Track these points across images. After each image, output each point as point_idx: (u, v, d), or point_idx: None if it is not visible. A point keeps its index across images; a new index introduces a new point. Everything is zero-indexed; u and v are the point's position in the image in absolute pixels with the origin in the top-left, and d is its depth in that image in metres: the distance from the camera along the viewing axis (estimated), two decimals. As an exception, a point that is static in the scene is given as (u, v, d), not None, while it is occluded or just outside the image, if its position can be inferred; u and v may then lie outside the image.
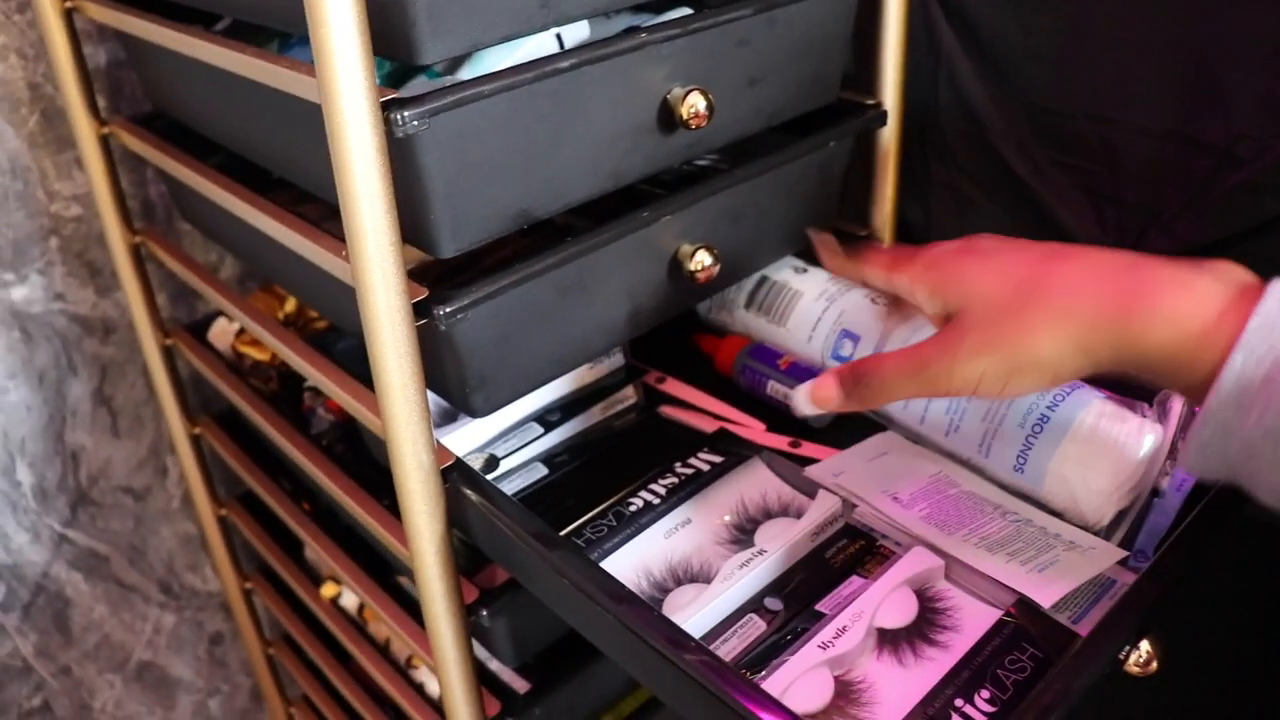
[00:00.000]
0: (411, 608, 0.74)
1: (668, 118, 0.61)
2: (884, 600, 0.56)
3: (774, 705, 0.45)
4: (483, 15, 0.52)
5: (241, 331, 0.90)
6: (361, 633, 0.86)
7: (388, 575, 0.78)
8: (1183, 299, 0.44)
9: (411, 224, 0.54)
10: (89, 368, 0.95)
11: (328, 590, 0.88)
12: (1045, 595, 0.55)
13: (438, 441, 0.59)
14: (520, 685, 0.75)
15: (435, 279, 0.67)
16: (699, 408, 0.73)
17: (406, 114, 0.49)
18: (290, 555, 0.93)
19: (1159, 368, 0.45)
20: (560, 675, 0.74)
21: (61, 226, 0.90)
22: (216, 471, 0.98)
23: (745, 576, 0.57)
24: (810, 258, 0.77)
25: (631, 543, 0.60)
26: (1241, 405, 0.41)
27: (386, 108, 0.49)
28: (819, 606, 0.57)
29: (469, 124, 0.52)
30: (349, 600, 0.88)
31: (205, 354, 0.88)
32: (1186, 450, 0.44)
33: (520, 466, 0.69)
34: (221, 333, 0.90)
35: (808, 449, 0.68)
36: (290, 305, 0.90)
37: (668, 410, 0.73)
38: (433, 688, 0.81)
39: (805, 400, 0.56)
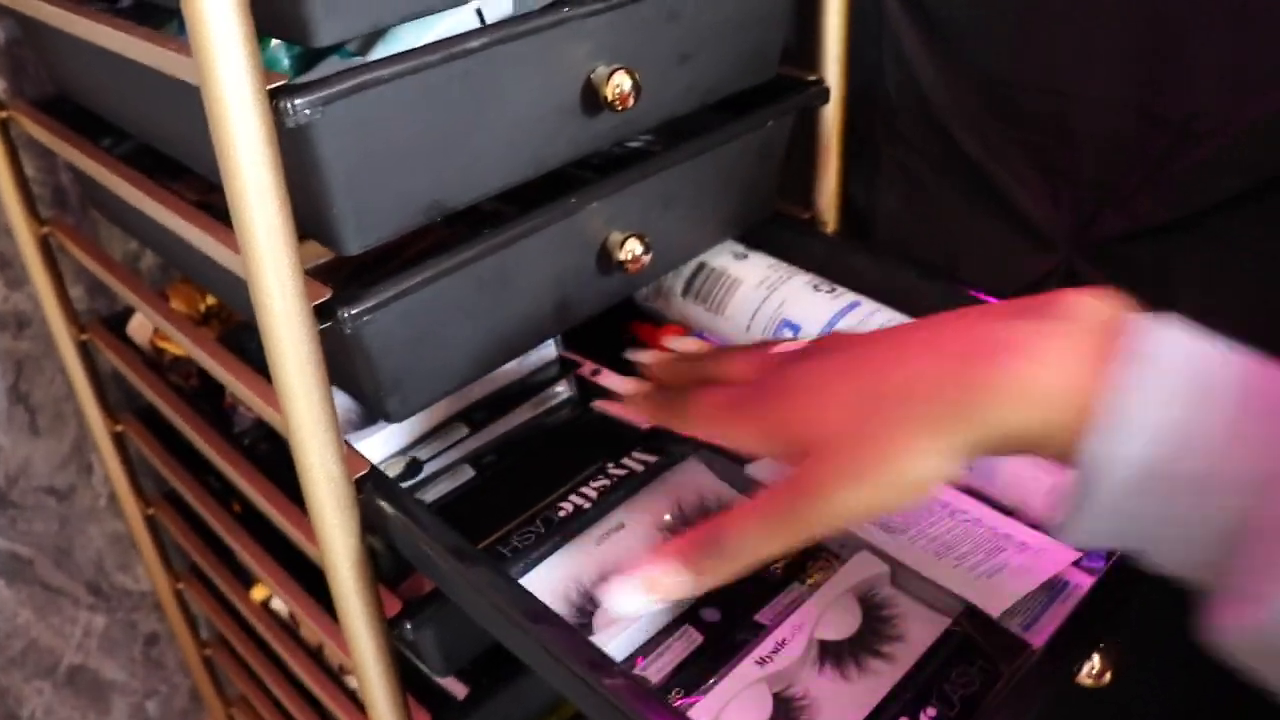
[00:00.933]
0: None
1: (591, 99, 0.57)
2: (826, 610, 0.53)
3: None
4: (382, -9, 0.48)
5: (160, 325, 0.85)
6: (294, 636, 0.82)
7: (320, 577, 0.75)
8: (1027, 365, 0.36)
9: (312, 219, 0.50)
10: (3, 364, 0.90)
11: (258, 593, 0.85)
12: (994, 604, 0.52)
13: (351, 448, 0.55)
14: (459, 689, 0.72)
15: (349, 275, 0.63)
16: (635, 402, 0.69)
17: (297, 102, 0.45)
18: (221, 556, 0.89)
19: (1037, 449, 0.37)
20: (499, 679, 0.71)
21: (-35, 217, 0.85)
22: (143, 468, 0.94)
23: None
24: (751, 242, 0.73)
25: (560, 551, 0.57)
26: (1130, 493, 0.34)
27: (274, 95, 0.45)
28: (758, 617, 0.54)
29: (370, 111, 0.48)
30: (281, 603, 0.85)
31: (123, 349, 0.83)
32: (1067, 528, 0.37)
33: (446, 469, 0.65)
34: (140, 326, 0.86)
35: (749, 444, 0.65)
36: (212, 298, 0.86)
37: (602, 404, 0.70)
38: (367, 695, 0.78)
39: (634, 595, 0.43)
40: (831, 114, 0.73)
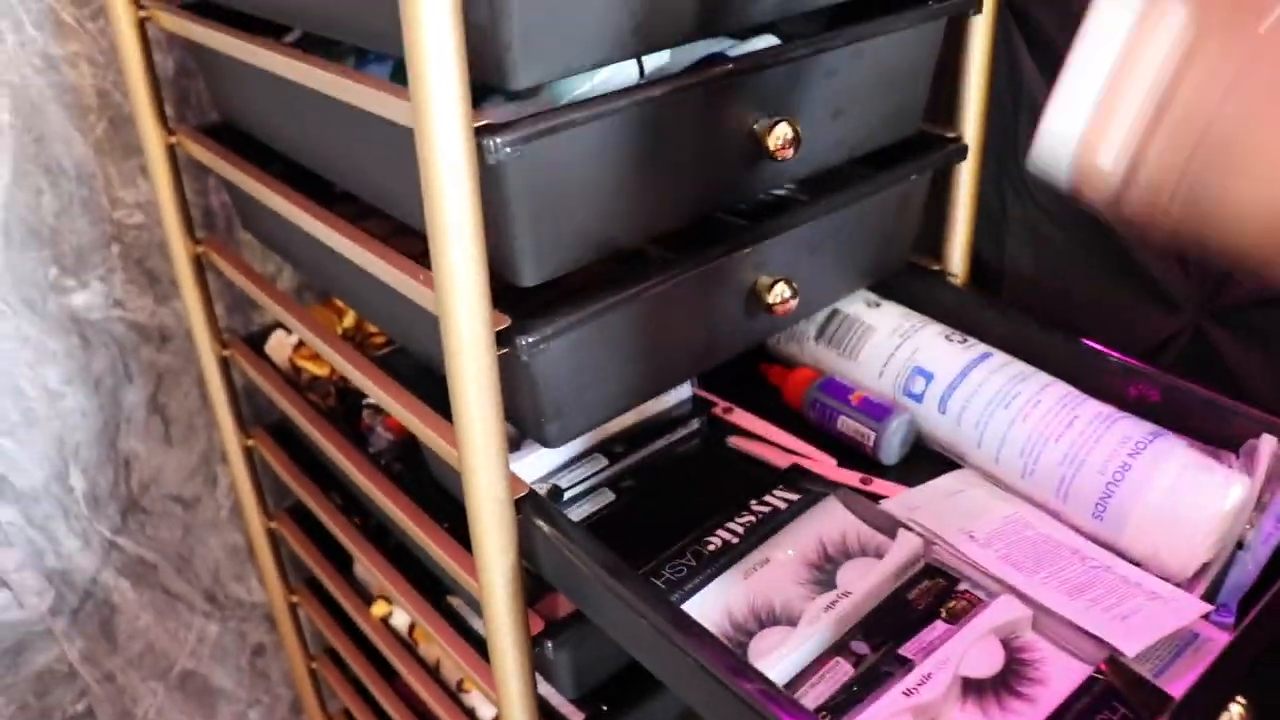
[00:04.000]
0: (464, 629, 0.74)
1: (754, 148, 0.59)
2: (970, 648, 0.54)
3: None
4: (577, 40, 0.51)
5: (300, 345, 0.89)
6: (412, 653, 0.85)
7: (438, 594, 0.78)
8: None
9: (493, 250, 0.53)
10: (144, 375, 0.95)
11: (379, 609, 0.87)
12: (1129, 644, 0.54)
13: (511, 472, 0.58)
14: (574, 715, 0.74)
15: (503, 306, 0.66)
16: (769, 440, 0.71)
17: (499, 140, 0.48)
18: (339, 570, 0.93)
19: None
20: (616, 708, 0.73)
21: (123, 234, 0.89)
22: (266, 483, 0.98)
23: (831, 619, 0.56)
24: (882, 291, 0.76)
25: (713, 583, 0.59)
26: None
27: (479, 134, 0.48)
28: (903, 651, 0.55)
29: (559, 152, 0.52)
30: (399, 619, 0.88)
31: (262, 366, 0.87)
32: None
33: (587, 493, 0.68)
34: (279, 345, 0.90)
35: (879, 486, 0.67)
36: (349, 320, 0.89)
37: (737, 441, 0.72)
38: (484, 713, 0.80)
39: None
40: (968, 171, 0.75)
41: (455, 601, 0.79)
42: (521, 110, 0.52)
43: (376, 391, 0.66)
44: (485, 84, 0.52)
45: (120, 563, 0.99)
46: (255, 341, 0.91)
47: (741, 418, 0.74)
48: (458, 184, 0.48)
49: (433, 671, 0.84)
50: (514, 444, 0.68)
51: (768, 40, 0.64)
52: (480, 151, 0.48)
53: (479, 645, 0.68)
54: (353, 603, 0.89)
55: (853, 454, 0.69)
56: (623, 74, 0.60)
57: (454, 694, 0.82)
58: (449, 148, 0.47)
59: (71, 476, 0.93)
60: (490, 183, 0.50)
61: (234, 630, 1.11)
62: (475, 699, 0.81)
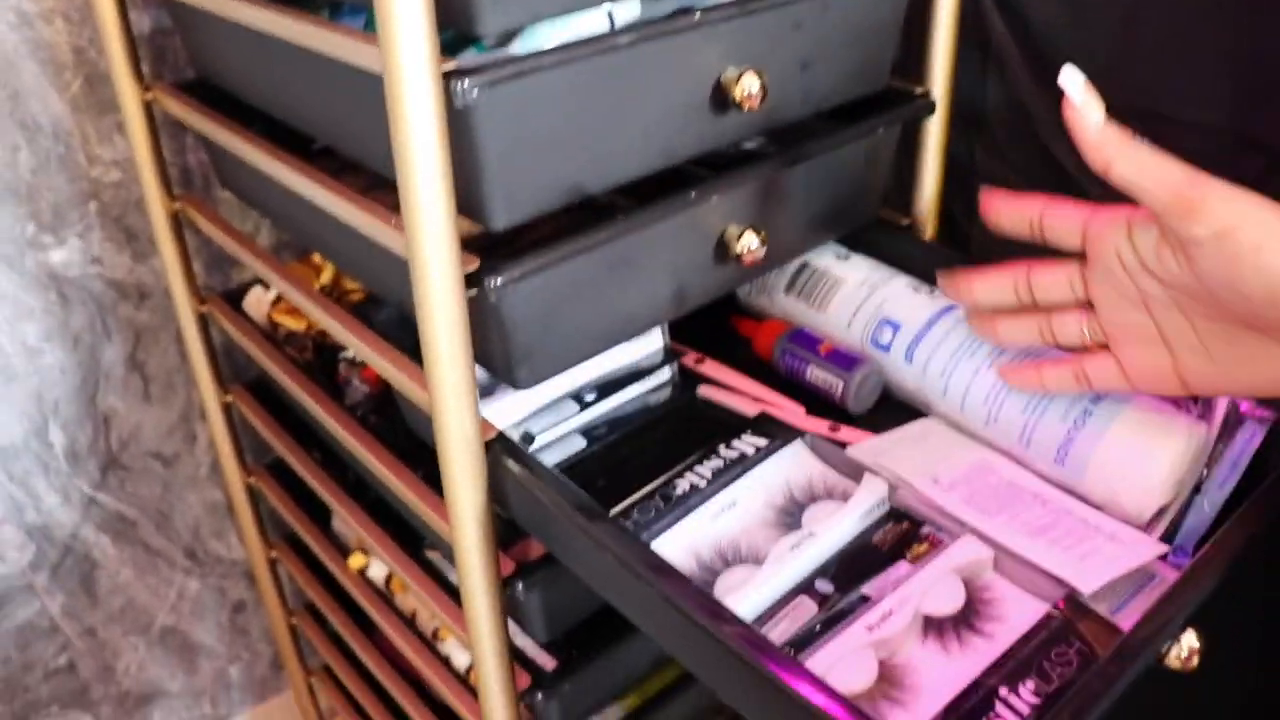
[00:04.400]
0: (441, 580, 0.75)
1: (721, 98, 0.60)
2: (931, 587, 0.56)
3: (817, 683, 0.46)
4: (544, -14, 0.52)
5: (277, 301, 0.90)
6: (389, 604, 0.86)
7: (417, 548, 0.79)
8: None
9: (464, 195, 0.54)
10: (123, 333, 0.95)
11: (355, 561, 0.88)
12: (1086, 582, 0.55)
13: (481, 415, 0.59)
14: (546, 662, 0.75)
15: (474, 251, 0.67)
16: (739, 389, 0.73)
17: (467, 83, 0.49)
18: (317, 525, 0.94)
19: None
20: (587, 653, 0.74)
21: (101, 191, 0.90)
22: (245, 440, 0.99)
23: (796, 558, 0.57)
24: (852, 245, 0.77)
25: (680, 524, 0.60)
26: None
27: (447, 77, 0.49)
28: (865, 590, 0.57)
29: (527, 97, 0.52)
30: (376, 571, 0.89)
31: (240, 322, 0.88)
32: None
33: (558, 440, 0.69)
34: (257, 301, 0.90)
35: (846, 433, 0.68)
36: (326, 276, 0.90)
37: (706, 391, 0.73)
38: (459, 660, 0.81)
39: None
40: (935, 126, 0.76)
41: (433, 556, 0.80)
42: (493, 58, 0.52)
43: (351, 339, 0.67)
44: (455, 30, 0.53)
45: (100, 519, 1.00)
46: (233, 298, 0.91)
47: (712, 368, 0.75)
48: (426, 128, 0.48)
49: (409, 622, 0.85)
50: (486, 391, 0.69)
51: (738, -7, 0.65)
52: (449, 95, 0.49)
53: (454, 595, 0.69)
54: (331, 556, 0.90)
55: (822, 403, 0.71)
56: (596, 24, 0.61)
57: (430, 643, 0.83)
58: (417, 91, 0.48)
59: (51, 433, 0.94)
60: (459, 127, 0.51)
61: (214, 587, 1.12)
62: (450, 647, 0.82)
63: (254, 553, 1.04)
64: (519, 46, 0.62)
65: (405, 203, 0.51)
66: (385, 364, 0.63)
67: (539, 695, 0.69)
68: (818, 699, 0.45)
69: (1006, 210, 0.58)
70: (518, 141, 0.53)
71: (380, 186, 0.62)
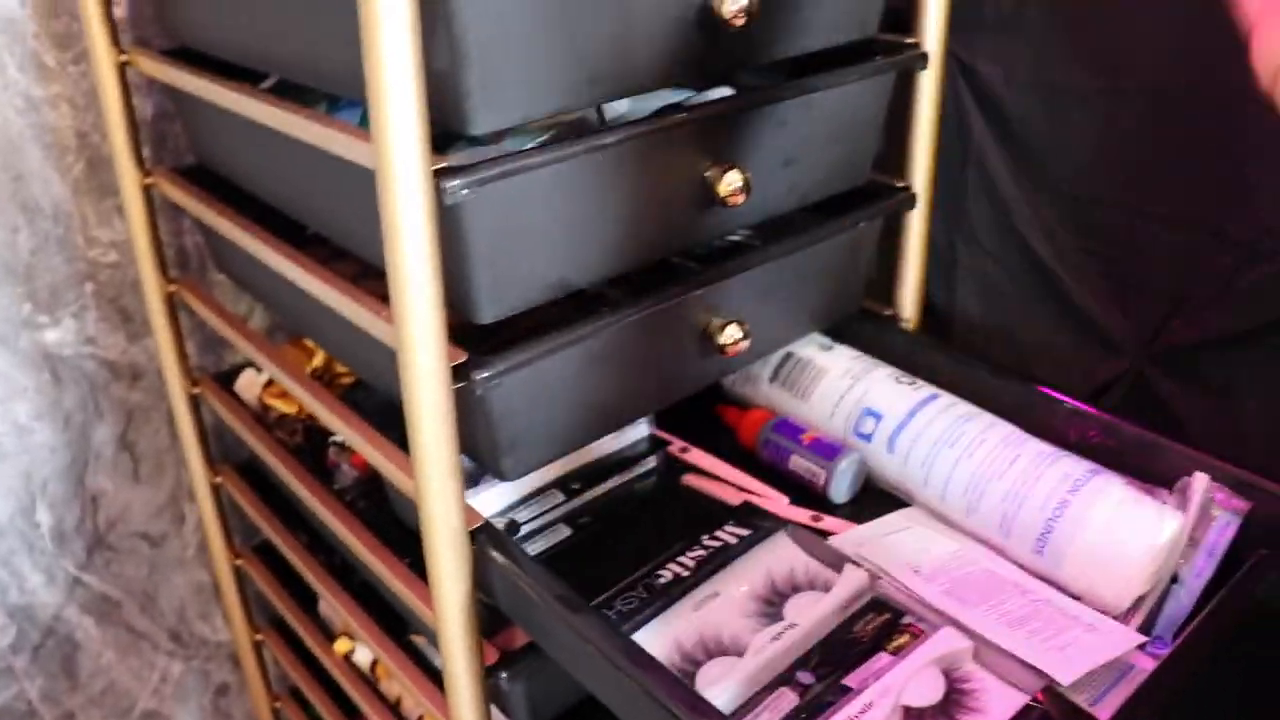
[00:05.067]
0: (426, 666, 0.74)
1: (706, 194, 0.62)
2: (911, 678, 0.56)
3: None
4: (534, 89, 0.54)
5: (269, 383, 0.91)
6: (374, 690, 0.86)
7: (402, 633, 0.79)
8: None
9: (451, 288, 0.55)
10: (115, 413, 0.96)
11: (341, 646, 0.88)
12: (1065, 673, 0.55)
13: (467, 504, 0.59)
14: (530, 751, 0.75)
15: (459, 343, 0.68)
16: (723, 478, 0.73)
17: (456, 182, 0.51)
18: (304, 609, 0.93)
19: None
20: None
21: (98, 272, 0.91)
22: (233, 522, 0.99)
23: (777, 649, 0.57)
24: (835, 335, 0.78)
25: (662, 615, 0.61)
26: None
27: (438, 175, 0.50)
28: (847, 681, 0.57)
29: (515, 194, 0.54)
30: (362, 657, 0.88)
31: (232, 403, 0.89)
32: None
33: (543, 529, 0.69)
34: (249, 384, 0.91)
35: (829, 523, 0.68)
36: (318, 359, 0.91)
37: (691, 480, 0.74)
38: (442, 749, 0.81)
39: None
40: (917, 219, 0.78)
41: (419, 641, 0.80)
42: (483, 156, 0.54)
43: (339, 424, 0.67)
44: (447, 129, 0.55)
45: (84, 599, 0.99)
46: (225, 380, 0.92)
47: (697, 457, 0.75)
48: (416, 223, 0.50)
49: (394, 708, 0.84)
50: (472, 480, 0.70)
51: (723, 92, 0.67)
52: (439, 192, 0.50)
53: (438, 681, 0.69)
54: (317, 640, 0.90)
55: (804, 492, 0.71)
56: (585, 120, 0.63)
57: (413, 730, 0.82)
58: (408, 188, 0.49)
59: (38, 512, 0.94)
60: (449, 223, 0.52)
61: (198, 670, 1.11)
62: (434, 735, 0.82)
63: (239, 635, 1.03)
64: (511, 142, 0.64)
65: (394, 294, 0.52)
66: (372, 450, 0.64)
67: (521, 786, 0.69)
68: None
69: None
70: (505, 237, 0.55)
71: (371, 275, 0.63)
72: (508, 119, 0.54)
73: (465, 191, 0.51)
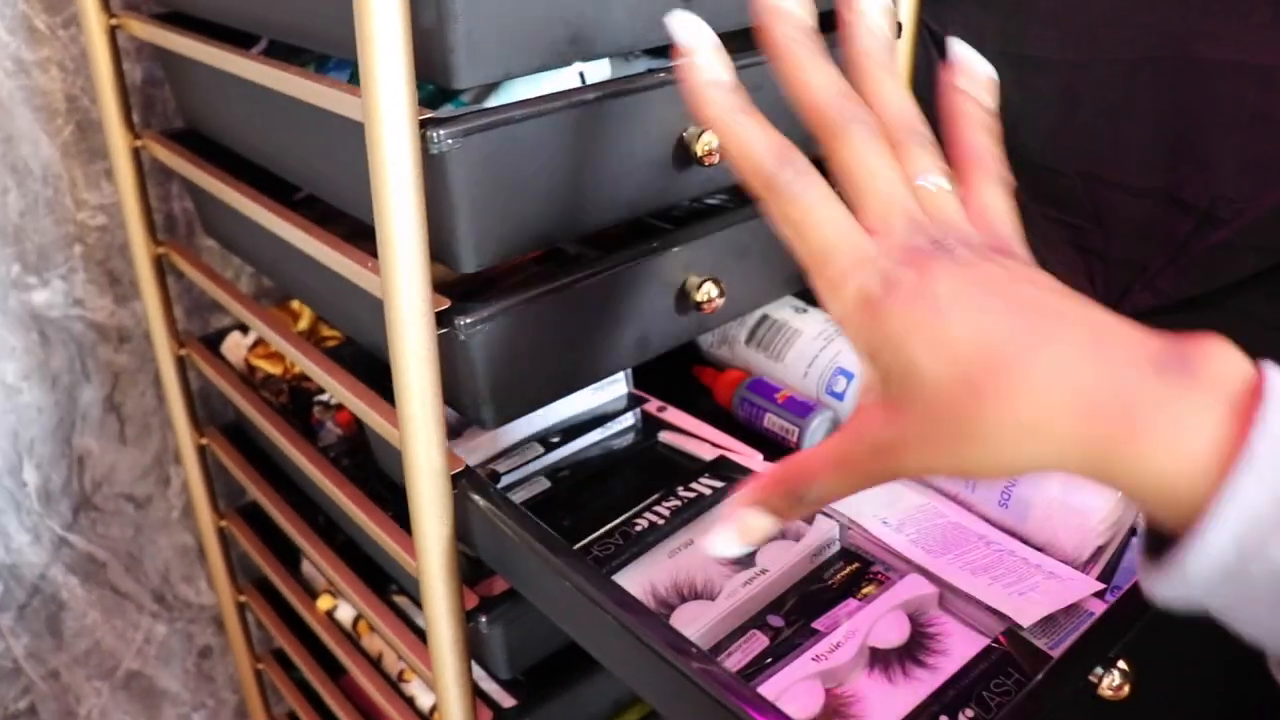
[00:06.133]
0: (407, 622, 0.76)
1: (683, 155, 0.64)
2: (878, 621, 0.58)
3: (773, 711, 0.48)
4: (516, 47, 0.55)
5: (254, 345, 0.92)
6: (355, 646, 0.88)
7: (384, 591, 0.80)
8: (1174, 426, 0.33)
9: (436, 240, 0.57)
10: (101, 374, 0.97)
11: (324, 603, 0.90)
12: (1025, 616, 0.58)
13: (450, 449, 0.61)
14: (506, 701, 0.77)
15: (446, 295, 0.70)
16: (698, 435, 0.75)
17: (442, 133, 0.52)
18: (289, 567, 0.95)
19: (1141, 495, 0.34)
20: (547, 692, 0.76)
21: (86, 235, 0.92)
22: (218, 486, 1.00)
23: (749, 594, 0.59)
24: (809, 298, 0.80)
25: (638, 561, 0.63)
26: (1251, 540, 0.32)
27: (423, 126, 0.52)
28: (815, 624, 0.59)
29: (498, 146, 0.56)
30: (344, 614, 0.90)
31: (218, 365, 0.90)
32: (1156, 578, 0.34)
33: (523, 480, 0.71)
34: (235, 346, 0.93)
35: (802, 479, 0.70)
36: (304, 323, 0.93)
37: (668, 437, 0.76)
38: (423, 701, 0.83)
39: (729, 541, 0.45)
40: (890, 186, 0.80)
41: (400, 600, 0.82)
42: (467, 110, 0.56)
43: (326, 379, 0.69)
44: (433, 84, 0.57)
45: (70, 559, 1.01)
46: (211, 342, 0.94)
47: (674, 415, 0.78)
48: (403, 172, 0.52)
49: (375, 663, 0.86)
50: (454, 432, 0.72)
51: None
52: (425, 143, 0.52)
53: (420, 636, 0.70)
54: (300, 598, 0.91)
55: (778, 450, 0.73)
56: (568, 83, 0.65)
57: (395, 684, 0.84)
58: (396, 139, 0.51)
59: (25, 471, 0.95)
60: (434, 174, 0.54)
61: (181, 631, 1.12)
62: (415, 689, 0.84)
63: (223, 596, 1.04)
64: (492, 102, 0.65)
65: (382, 243, 0.54)
66: (358, 401, 0.66)
67: (500, 731, 0.71)
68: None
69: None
70: (489, 189, 0.56)
71: (358, 237, 0.65)
72: (490, 74, 0.56)
73: (450, 142, 0.53)
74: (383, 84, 0.50)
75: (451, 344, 0.58)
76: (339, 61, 0.72)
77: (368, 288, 0.58)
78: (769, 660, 0.57)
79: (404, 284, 0.54)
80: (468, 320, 0.57)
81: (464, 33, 0.53)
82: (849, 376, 0.73)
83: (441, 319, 0.57)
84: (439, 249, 0.58)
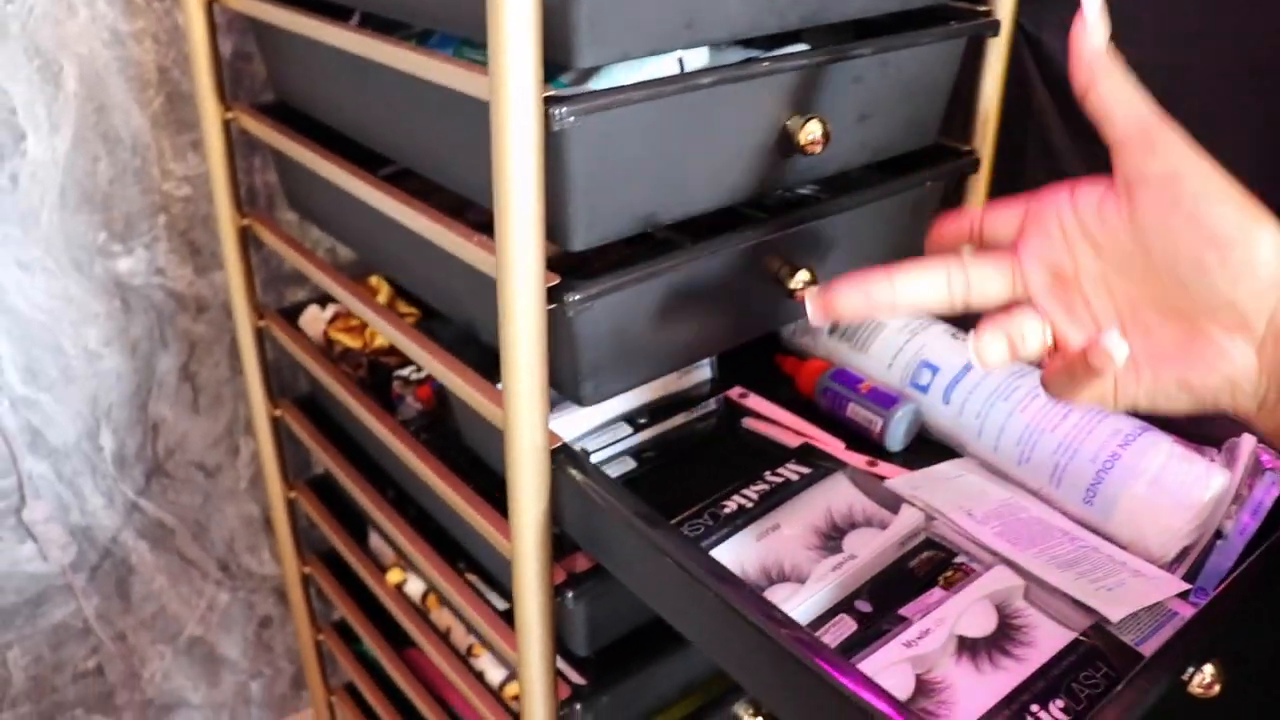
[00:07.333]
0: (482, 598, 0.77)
1: (786, 142, 0.64)
2: (966, 610, 0.59)
3: (878, 690, 0.48)
4: (636, 29, 0.56)
5: (334, 319, 0.93)
6: (425, 619, 0.89)
7: (454, 565, 0.81)
8: None
9: (548, 217, 0.58)
10: (179, 343, 0.99)
11: (394, 576, 0.91)
12: (1113, 611, 0.58)
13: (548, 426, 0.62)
14: (577, 680, 0.78)
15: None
16: (781, 423, 0.76)
17: (564, 109, 0.53)
18: (358, 540, 0.96)
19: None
20: (622, 671, 0.76)
21: (171, 205, 0.94)
22: (287, 456, 1.01)
23: (838, 579, 0.60)
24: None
25: (727, 542, 0.63)
26: None
27: (547, 103, 0.53)
28: (903, 611, 0.60)
29: (614, 126, 0.56)
30: (413, 587, 0.91)
31: (298, 337, 0.91)
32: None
33: (611, 459, 0.72)
34: (313, 319, 0.94)
35: (884, 468, 0.71)
36: (383, 298, 0.94)
37: (751, 423, 0.76)
38: (493, 676, 0.84)
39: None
40: (979, 182, 0.80)
41: (470, 577, 0.83)
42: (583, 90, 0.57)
43: (420, 353, 0.70)
44: (553, 62, 0.57)
45: (140, 524, 1.03)
46: (290, 315, 0.95)
47: (756, 402, 0.78)
48: (526, 148, 0.52)
49: (444, 637, 0.87)
50: (543, 411, 0.72)
51: (800, 47, 0.70)
52: (547, 119, 0.53)
53: (495, 611, 0.71)
54: (370, 570, 0.93)
55: (860, 440, 0.74)
56: (666, 70, 0.65)
57: (464, 658, 0.85)
58: (521, 115, 0.52)
59: (102, 436, 0.97)
60: (551, 152, 0.55)
61: (243, 600, 1.14)
62: (484, 663, 0.85)
63: (288, 567, 1.06)
64: (594, 86, 0.66)
65: (499, 218, 0.54)
66: (454, 376, 0.66)
67: (577, 707, 0.72)
68: (879, 704, 0.47)
69: (947, 225, 0.56)
70: (602, 168, 0.57)
71: (455, 210, 0.66)
72: (609, 55, 0.56)
73: (572, 119, 0.54)
74: (512, 61, 0.51)
75: (558, 320, 0.59)
76: (442, 37, 0.72)
77: (478, 264, 0.59)
78: (858, 644, 0.58)
79: (519, 259, 0.55)
80: (577, 297, 0.58)
81: (587, 13, 0.54)
82: (934, 369, 0.73)
83: (551, 295, 0.58)
84: (550, 227, 0.59)
